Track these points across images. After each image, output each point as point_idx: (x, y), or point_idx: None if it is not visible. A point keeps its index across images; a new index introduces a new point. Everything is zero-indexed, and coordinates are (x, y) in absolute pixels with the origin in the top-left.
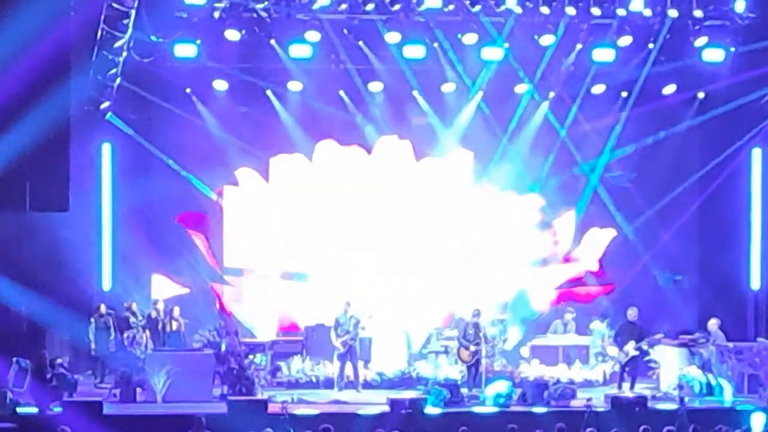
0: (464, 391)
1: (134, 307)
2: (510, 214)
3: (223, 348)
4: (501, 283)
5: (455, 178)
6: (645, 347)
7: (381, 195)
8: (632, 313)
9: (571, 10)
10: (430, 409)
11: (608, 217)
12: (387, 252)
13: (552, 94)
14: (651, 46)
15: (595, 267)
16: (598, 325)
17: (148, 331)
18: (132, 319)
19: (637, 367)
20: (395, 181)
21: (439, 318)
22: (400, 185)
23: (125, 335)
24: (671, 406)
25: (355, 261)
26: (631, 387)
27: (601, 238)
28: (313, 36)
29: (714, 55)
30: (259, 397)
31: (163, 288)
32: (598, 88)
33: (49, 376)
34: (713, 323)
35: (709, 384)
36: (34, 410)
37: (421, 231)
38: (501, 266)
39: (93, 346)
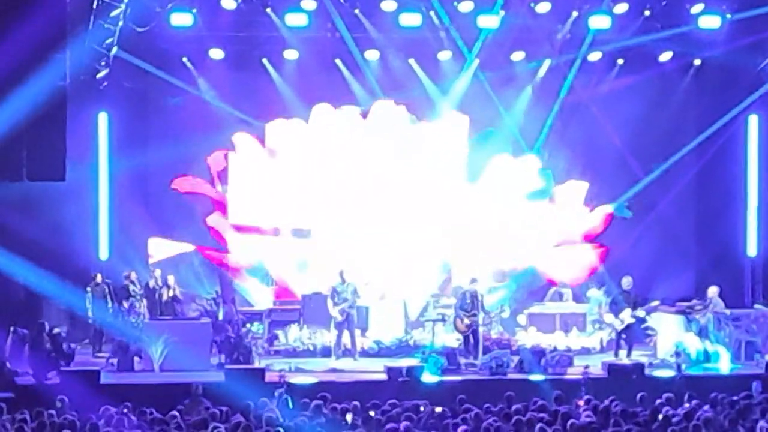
0: (461, 359)
1: (133, 276)
2: (508, 179)
3: (221, 316)
4: (501, 249)
5: (452, 142)
6: (642, 314)
7: (377, 159)
8: (627, 282)
9: None
10: (427, 377)
11: (605, 185)
12: (383, 217)
13: (548, 62)
14: (647, 12)
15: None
16: (595, 293)
17: (145, 300)
18: (132, 288)
19: (634, 335)
20: (391, 145)
21: (437, 286)
22: (395, 149)
23: (124, 304)
24: (668, 373)
25: (351, 226)
26: (628, 354)
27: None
28: (308, 4)
29: (710, 21)
30: (256, 365)
31: (161, 249)
32: (595, 55)
33: (46, 345)
34: (713, 291)
35: (706, 351)
36: (31, 380)
37: (418, 196)
38: (501, 232)
39: (90, 315)
